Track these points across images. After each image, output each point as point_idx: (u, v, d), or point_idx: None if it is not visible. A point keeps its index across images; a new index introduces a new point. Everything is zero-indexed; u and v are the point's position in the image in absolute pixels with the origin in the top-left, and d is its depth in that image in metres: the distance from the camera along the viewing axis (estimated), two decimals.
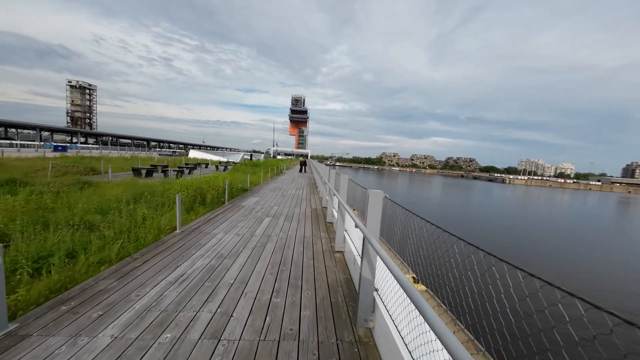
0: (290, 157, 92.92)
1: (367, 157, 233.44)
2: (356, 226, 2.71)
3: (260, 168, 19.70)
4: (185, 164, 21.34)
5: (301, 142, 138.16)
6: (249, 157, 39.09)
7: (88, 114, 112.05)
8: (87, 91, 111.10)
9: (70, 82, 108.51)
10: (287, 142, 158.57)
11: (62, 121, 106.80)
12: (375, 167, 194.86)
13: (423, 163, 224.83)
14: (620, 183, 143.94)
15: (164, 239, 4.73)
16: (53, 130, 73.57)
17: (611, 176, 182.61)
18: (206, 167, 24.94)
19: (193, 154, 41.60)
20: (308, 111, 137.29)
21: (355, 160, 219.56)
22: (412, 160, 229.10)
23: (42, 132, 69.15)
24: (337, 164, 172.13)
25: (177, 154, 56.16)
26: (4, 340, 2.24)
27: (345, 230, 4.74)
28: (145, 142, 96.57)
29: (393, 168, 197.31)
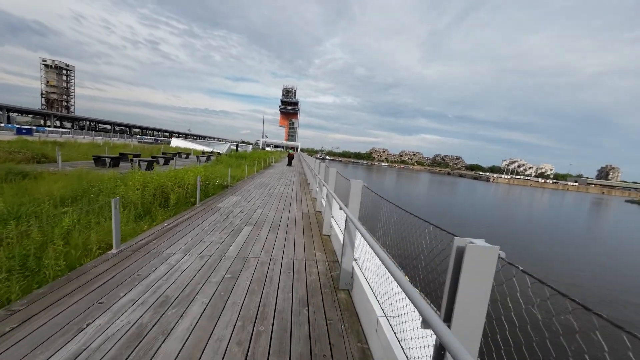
0: (279, 149, 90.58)
1: (357, 151, 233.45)
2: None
3: (246, 160, 18.02)
4: (163, 153, 19.31)
5: (291, 135, 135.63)
6: (235, 148, 36.78)
7: (65, 96, 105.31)
8: (64, 72, 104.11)
9: (45, 61, 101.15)
10: (277, 134, 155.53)
11: (37, 103, 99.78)
12: (365, 162, 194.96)
13: (411, 159, 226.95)
14: (595, 184, 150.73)
15: (85, 267, 3.18)
16: (23, 112, 68.26)
17: (587, 177, 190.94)
18: (187, 157, 22.96)
19: (176, 142, 39.18)
20: (299, 103, 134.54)
21: (345, 154, 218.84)
22: (401, 156, 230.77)
23: (11, 114, 63.90)
24: (327, 157, 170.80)
25: (159, 141, 53.11)
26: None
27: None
28: (127, 129, 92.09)
29: (382, 163, 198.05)
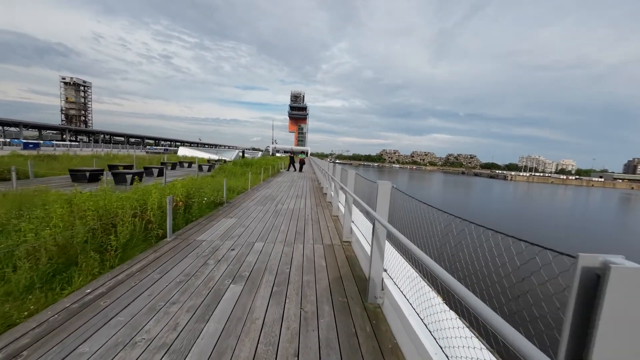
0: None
1: (367, 154, 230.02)
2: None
3: (251, 168, 16.04)
4: (162, 163, 17.58)
5: (300, 139, 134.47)
6: (242, 155, 34.98)
7: (83, 112, 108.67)
8: (82, 88, 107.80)
9: (64, 78, 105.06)
10: (286, 139, 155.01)
11: (57, 119, 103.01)
12: (376, 164, 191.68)
13: (423, 160, 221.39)
14: (622, 179, 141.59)
15: None
16: (39, 127, 69.56)
17: (613, 172, 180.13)
18: (189, 166, 21.27)
19: (182, 151, 38.12)
20: (308, 108, 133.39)
21: (355, 157, 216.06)
22: (413, 157, 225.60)
23: (28, 129, 65.18)
24: (337, 161, 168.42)
25: (168, 151, 52.50)
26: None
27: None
28: (140, 140, 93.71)
29: (393, 165, 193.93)
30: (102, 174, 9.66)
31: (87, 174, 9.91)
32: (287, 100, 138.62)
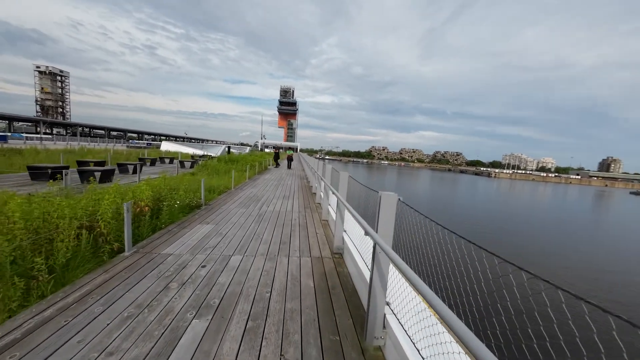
0: (280, 149, 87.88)
1: (357, 150, 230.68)
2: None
3: (237, 165, 15.19)
4: (139, 159, 16.42)
5: (290, 135, 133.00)
6: (227, 151, 33.37)
7: (60, 103, 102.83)
8: (59, 78, 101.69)
9: (38, 67, 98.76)
10: (275, 135, 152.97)
11: (32, 110, 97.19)
12: (365, 160, 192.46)
13: (411, 157, 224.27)
14: (597, 177, 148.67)
15: None
16: (9, 119, 65.20)
17: (589, 170, 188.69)
18: (170, 162, 20.09)
19: (166, 146, 36.51)
20: (297, 103, 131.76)
21: (345, 153, 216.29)
22: (401, 154, 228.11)
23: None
24: (327, 157, 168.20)
25: (151, 145, 50.35)
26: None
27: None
28: (122, 134, 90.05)
29: (382, 161, 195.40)
30: (64, 172, 8.65)
31: (49, 171, 8.87)
32: (276, 95, 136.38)
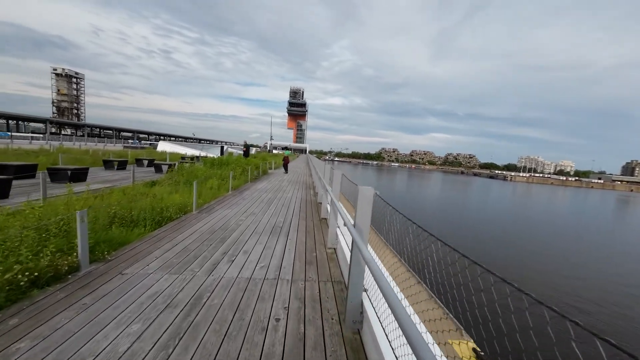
0: (288, 151, 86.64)
1: (366, 152, 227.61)
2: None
3: (226, 169, 13.28)
4: (105, 161, 14.35)
5: (299, 136, 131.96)
6: (220, 152, 28.45)
7: (75, 104, 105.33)
8: (75, 80, 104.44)
9: (55, 70, 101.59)
10: (285, 136, 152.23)
11: (49, 112, 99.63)
12: (374, 162, 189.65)
13: (422, 159, 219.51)
14: (621, 181, 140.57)
15: None
16: (15, 118, 65.97)
17: (611, 174, 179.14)
18: (149, 165, 17.10)
19: (162, 146, 35.58)
20: (307, 104, 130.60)
21: (354, 155, 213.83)
22: (412, 155, 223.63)
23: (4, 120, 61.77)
24: (336, 159, 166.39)
25: (153, 145, 49.89)
26: None
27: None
28: (132, 134, 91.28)
29: (392, 164, 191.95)
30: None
31: None
32: (286, 96, 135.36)
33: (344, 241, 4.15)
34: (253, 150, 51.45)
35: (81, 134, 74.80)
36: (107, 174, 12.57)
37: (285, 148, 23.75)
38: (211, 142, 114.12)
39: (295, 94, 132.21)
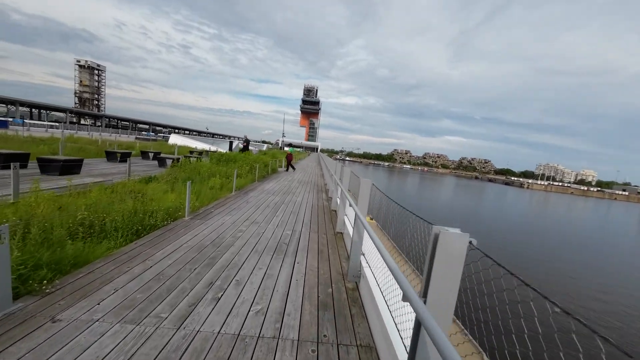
0: (299, 149, 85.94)
1: (378, 153, 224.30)
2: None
3: (233, 165, 12.35)
4: (108, 152, 13.57)
5: (311, 135, 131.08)
6: (229, 147, 26.89)
7: (96, 95, 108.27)
8: (96, 72, 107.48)
9: (78, 61, 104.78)
10: (297, 134, 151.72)
11: (72, 102, 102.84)
12: (386, 164, 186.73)
13: (436, 162, 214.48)
14: None
15: None
16: (37, 107, 67.65)
17: (637, 186, 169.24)
18: (153, 158, 16.07)
19: (174, 139, 35.20)
20: (320, 102, 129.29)
21: (366, 155, 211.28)
22: (425, 158, 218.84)
23: (22, 108, 63.46)
24: (347, 158, 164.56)
25: (165, 138, 50.06)
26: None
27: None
28: (148, 126, 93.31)
29: (404, 166, 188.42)
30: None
31: None
32: (300, 94, 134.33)
33: (370, 271, 3.10)
34: (264, 147, 50.50)
35: (99, 124, 76.43)
36: (107, 167, 11.72)
37: (290, 145, 22.05)
38: (224, 137, 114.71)
39: (309, 91, 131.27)
